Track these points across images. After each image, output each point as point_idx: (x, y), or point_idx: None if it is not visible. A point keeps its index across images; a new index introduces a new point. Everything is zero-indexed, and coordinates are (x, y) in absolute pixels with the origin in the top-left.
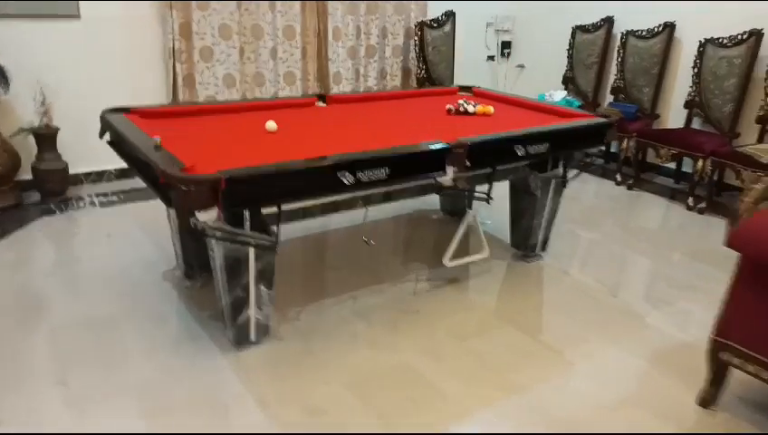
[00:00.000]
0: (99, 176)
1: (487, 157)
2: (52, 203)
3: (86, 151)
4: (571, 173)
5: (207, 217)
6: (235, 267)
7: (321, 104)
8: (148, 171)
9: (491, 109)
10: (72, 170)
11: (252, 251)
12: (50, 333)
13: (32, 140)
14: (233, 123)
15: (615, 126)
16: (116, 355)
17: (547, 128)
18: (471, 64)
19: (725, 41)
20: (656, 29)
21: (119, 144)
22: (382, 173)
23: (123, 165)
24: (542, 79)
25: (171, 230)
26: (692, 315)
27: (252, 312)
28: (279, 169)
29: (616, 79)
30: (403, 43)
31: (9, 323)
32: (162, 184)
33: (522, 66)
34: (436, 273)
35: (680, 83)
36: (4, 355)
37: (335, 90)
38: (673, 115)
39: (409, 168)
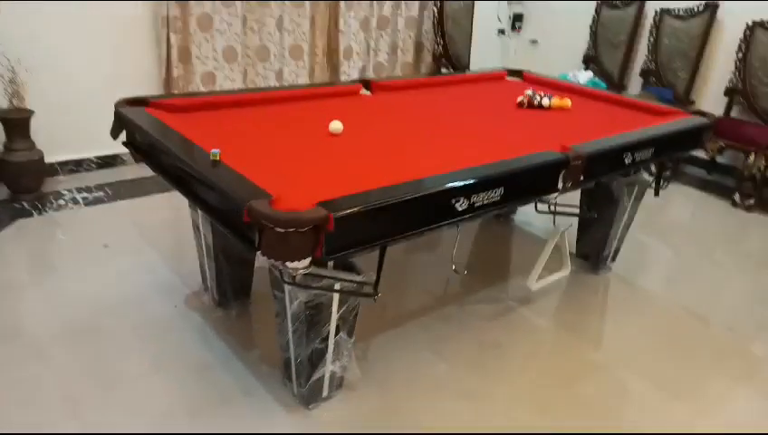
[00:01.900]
0: (77, 165)
1: (601, 168)
2: (26, 201)
3: (62, 137)
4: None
5: (301, 263)
6: (317, 316)
7: (365, 92)
8: (199, 191)
9: (568, 102)
10: (45, 159)
11: (336, 295)
12: (54, 391)
13: None
14: (283, 120)
15: (712, 127)
16: (153, 416)
17: (657, 131)
18: (480, 39)
19: None
20: (696, 8)
21: (145, 149)
22: (497, 195)
23: (105, 151)
24: (557, 56)
25: (199, 247)
26: None
27: (329, 366)
28: (397, 198)
29: (647, 60)
30: (417, 14)
31: None
32: (245, 223)
33: (535, 42)
34: (500, 290)
35: (720, 69)
36: None
37: (345, 66)
38: (709, 102)
39: (525, 186)
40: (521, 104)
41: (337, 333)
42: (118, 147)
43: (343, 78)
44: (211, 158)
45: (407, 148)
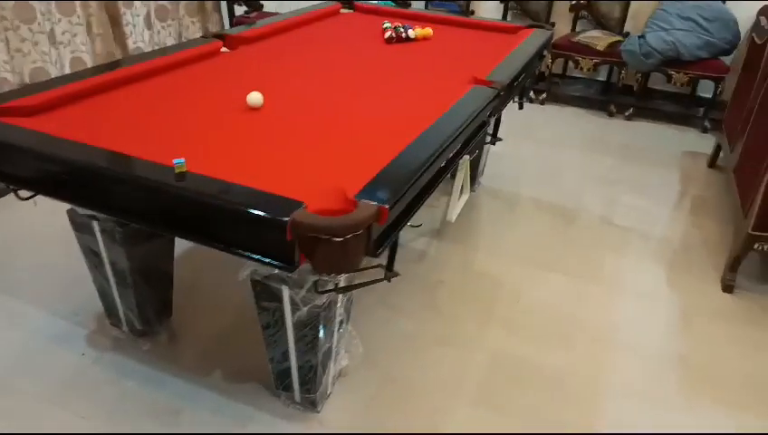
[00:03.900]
0: None
1: (508, 95)
2: None
3: None
4: None
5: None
6: (329, 313)
7: (225, 50)
8: (171, 215)
9: (430, 31)
10: None
11: None
12: None
13: None
14: (176, 100)
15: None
16: None
17: (531, 47)
18: None
19: None
20: None
21: (48, 177)
22: (459, 144)
23: None
24: None
25: (101, 276)
26: (645, 209)
27: (335, 362)
28: (419, 165)
29: None
30: None
31: None
32: (289, 241)
33: None
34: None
35: None
36: None
37: (127, 15)
38: (487, 8)
39: (473, 129)
40: (390, 39)
41: (340, 327)
42: None
43: (128, 29)
44: (176, 170)
45: (347, 108)
